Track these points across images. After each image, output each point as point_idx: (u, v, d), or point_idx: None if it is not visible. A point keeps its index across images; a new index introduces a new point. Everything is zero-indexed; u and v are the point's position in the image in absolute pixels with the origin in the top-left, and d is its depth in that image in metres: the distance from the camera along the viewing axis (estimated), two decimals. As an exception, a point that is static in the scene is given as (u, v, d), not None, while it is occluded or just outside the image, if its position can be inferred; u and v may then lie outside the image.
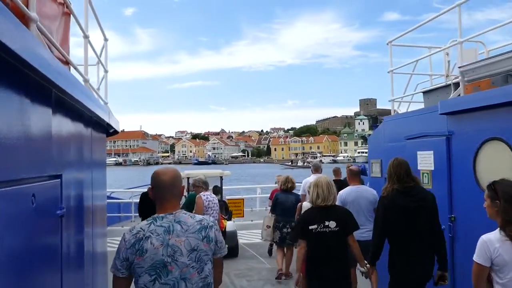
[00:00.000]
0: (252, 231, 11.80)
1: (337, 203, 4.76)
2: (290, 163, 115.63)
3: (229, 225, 9.06)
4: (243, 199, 13.28)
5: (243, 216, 12.62)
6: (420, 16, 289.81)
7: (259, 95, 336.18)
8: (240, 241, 10.13)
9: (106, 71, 5.78)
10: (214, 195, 7.57)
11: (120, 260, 2.44)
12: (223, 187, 10.25)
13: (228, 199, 10.96)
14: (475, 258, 2.95)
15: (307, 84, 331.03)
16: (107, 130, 5.56)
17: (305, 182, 8.77)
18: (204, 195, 7.21)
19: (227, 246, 3.23)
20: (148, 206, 7.29)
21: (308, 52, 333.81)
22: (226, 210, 9.13)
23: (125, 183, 54.39)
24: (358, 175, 6.44)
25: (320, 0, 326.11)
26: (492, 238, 2.93)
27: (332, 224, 4.30)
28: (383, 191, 4.42)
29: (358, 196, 6.05)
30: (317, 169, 9.07)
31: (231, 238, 8.73)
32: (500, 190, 3.00)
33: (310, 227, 4.29)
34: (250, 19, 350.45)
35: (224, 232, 8.20)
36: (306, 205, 6.34)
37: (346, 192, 6.09)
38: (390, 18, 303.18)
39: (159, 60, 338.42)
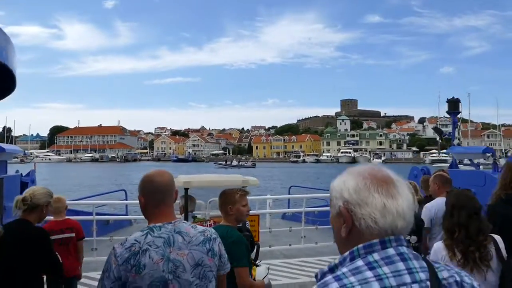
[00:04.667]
0: (275, 262, 8.12)
1: (424, 219, 4.41)
2: (224, 162, 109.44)
3: (260, 272, 4.76)
4: (258, 215, 8.78)
5: (258, 240, 8.76)
6: (401, 20, 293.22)
7: (240, 93, 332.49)
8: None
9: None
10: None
11: (111, 280, 2.13)
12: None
13: None
14: None
15: (288, 83, 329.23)
16: None
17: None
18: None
19: None
20: None
21: (290, 51, 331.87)
22: (252, 246, 5.50)
23: (100, 181, 51.45)
24: (451, 183, 4.96)
25: (303, 0, 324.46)
26: (440, 246, 3.07)
27: None
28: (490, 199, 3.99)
29: None
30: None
31: None
32: (447, 200, 3.21)
33: None
34: (232, 16, 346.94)
35: None
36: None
37: (437, 205, 4.51)
38: (372, 20, 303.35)
39: (140, 55, 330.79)
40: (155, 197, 2.33)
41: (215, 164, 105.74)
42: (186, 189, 5.29)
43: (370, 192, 1.28)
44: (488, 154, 6.90)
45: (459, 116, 8.25)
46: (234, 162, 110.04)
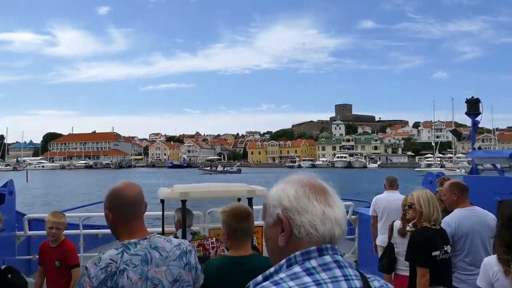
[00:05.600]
0: None
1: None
2: (209, 168, 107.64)
3: None
4: (261, 226, 8.21)
5: (262, 253, 7.98)
6: (394, 25, 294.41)
7: (235, 99, 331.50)
8: None
9: None
10: None
11: None
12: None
13: None
14: (478, 281, 2.91)
15: (282, 89, 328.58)
16: None
17: (376, 200, 6.84)
18: None
19: None
20: None
21: (284, 56, 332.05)
22: None
23: (93, 189, 50.37)
24: (468, 192, 4.37)
25: (297, 6, 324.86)
26: (492, 261, 2.87)
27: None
28: None
29: (478, 223, 4.14)
30: (392, 184, 6.84)
31: None
32: (502, 211, 2.95)
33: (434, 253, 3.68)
34: (227, 22, 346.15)
35: None
36: (397, 224, 4.91)
37: (458, 218, 4.13)
38: (366, 26, 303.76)
39: (134, 61, 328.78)
40: (125, 212, 2.18)
41: (200, 170, 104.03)
42: (184, 202, 4.55)
43: (309, 199, 1.28)
44: (516, 158, 6.32)
45: (479, 118, 7.64)
46: (219, 168, 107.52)
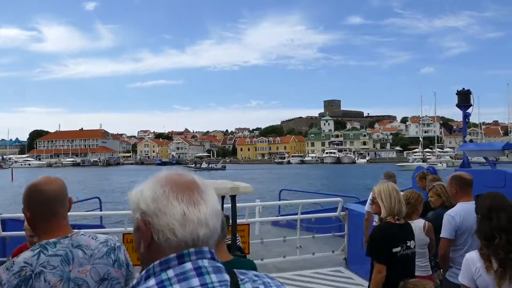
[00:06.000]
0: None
1: (446, 230, 4.00)
2: (193, 165, 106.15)
3: None
4: (248, 224, 7.76)
5: (248, 253, 7.37)
6: (382, 21, 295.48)
7: (223, 95, 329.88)
8: None
9: None
10: None
11: None
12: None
13: None
14: (460, 278, 2.83)
15: (271, 85, 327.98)
16: None
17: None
18: None
19: None
20: None
21: (273, 53, 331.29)
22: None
23: (78, 187, 49.58)
24: (472, 186, 4.25)
25: (286, 2, 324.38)
26: (474, 256, 2.78)
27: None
28: None
29: None
30: (390, 180, 6.27)
31: None
32: (480, 203, 2.89)
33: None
34: (215, 18, 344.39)
35: None
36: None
37: (463, 211, 3.99)
38: (354, 22, 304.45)
39: (121, 58, 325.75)
40: (44, 209, 2.01)
41: (185, 167, 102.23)
42: None
43: (169, 200, 1.16)
44: (508, 151, 6.12)
45: (470, 110, 7.44)
46: (204, 165, 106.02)
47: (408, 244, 3.66)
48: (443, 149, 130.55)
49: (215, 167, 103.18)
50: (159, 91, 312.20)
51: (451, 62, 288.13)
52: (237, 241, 4.77)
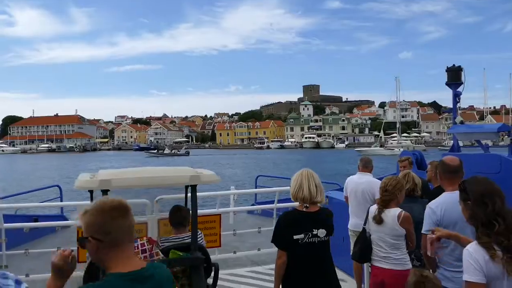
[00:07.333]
0: (241, 271, 6.86)
1: (426, 224, 3.52)
2: (156, 151, 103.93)
3: None
4: (219, 215, 7.06)
5: (219, 246, 6.86)
6: (360, 5, 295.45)
7: (202, 80, 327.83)
8: None
9: None
10: None
11: None
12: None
13: None
14: (466, 276, 2.46)
15: (250, 70, 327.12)
16: None
17: (347, 181, 6.37)
18: None
19: None
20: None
21: (251, 37, 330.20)
22: (208, 269, 4.08)
23: (48, 173, 47.76)
24: (458, 173, 3.64)
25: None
26: (477, 248, 2.49)
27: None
28: None
29: None
30: (366, 166, 6.23)
31: None
32: (470, 189, 2.70)
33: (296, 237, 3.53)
34: (192, 1, 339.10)
35: None
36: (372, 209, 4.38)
37: (445, 204, 3.47)
38: (332, 6, 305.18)
39: (97, 42, 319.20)
40: None
41: (146, 153, 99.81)
42: (105, 192, 3.48)
43: None
44: (504, 133, 5.57)
45: (460, 88, 6.83)
46: (167, 151, 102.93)
47: (315, 232, 3.53)
48: (420, 134, 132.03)
49: (178, 152, 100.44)
50: (136, 76, 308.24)
51: (429, 46, 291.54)
52: (199, 238, 4.08)
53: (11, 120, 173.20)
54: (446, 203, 3.44)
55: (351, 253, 5.84)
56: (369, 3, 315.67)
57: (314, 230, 3.51)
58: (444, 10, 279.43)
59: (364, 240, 4.35)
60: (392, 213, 4.03)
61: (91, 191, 3.78)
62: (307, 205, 3.54)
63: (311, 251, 3.52)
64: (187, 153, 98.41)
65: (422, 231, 3.54)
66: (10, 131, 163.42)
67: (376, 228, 4.15)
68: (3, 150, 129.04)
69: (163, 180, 3.76)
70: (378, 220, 4.08)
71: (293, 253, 3.51)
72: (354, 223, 5.94)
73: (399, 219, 3.97)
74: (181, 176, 3.85)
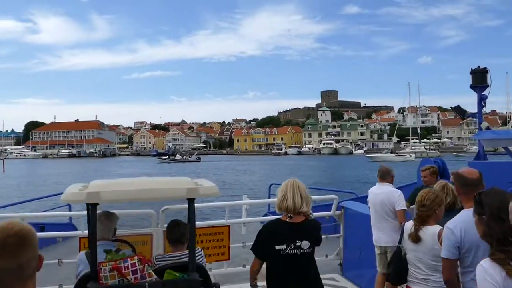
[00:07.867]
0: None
1: (445, 247, 3.14)
2: (167, 157, 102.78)
3: None
4: (228, 226, 6.46)
5: (228, 259, 6.37)
6: (379, 10, 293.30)
7: (220, 86, 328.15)
8: None
9: None
10: None
11: None
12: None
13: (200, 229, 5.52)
14: None
15: (268, 76, 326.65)
16: None
17: (369, 193, 5.89)
18: None
19: None
20: None
21: (269, 43, 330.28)
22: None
23: (66, 179, 48.36)
24: (478, 186, 3.17)
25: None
26: (493, 265, 2.29)
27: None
28: None
29: None
30: (383, 177, 5.75)
31: None
32: (486, 202, 2.51)
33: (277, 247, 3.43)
34: (211, 8, 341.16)
35: None
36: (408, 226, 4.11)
37: (464, 223, 3.06)
38: (351, 11, 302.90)
39: (117, 49, 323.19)
40: None
41: (157, 159, 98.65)
42: (93, 206, 3.15)
43: None
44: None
45: (486, 92, 6.35)
46: (178, 157, 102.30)
47: (298, 244, 3.41)
48: (440, 139, 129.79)
49: (189, 159, 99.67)
50: (155, 82, 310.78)
51: (449, 51, 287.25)
52: (199, 257, 3.74)
53: (33, 125, 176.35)
54: (466, 222, 3.01)
55: (377, 269, 5.42)
56: (388, 7, 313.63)
57: (297, 241, 3.40)
58: (464, 13, 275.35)
59: (399, 260, 3.94)
60: (431, 231, 3.64)
61: (87, 204, 3.46)
62: (291, 215, 3.44)
63: (293, 262, 3.42)
64: (198, 159, 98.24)
65: (442, 255, 3.16)
66: (32, 136, 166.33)
67: (413, 247, 3.74)
68: (25, 155, 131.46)
69: (158, 193, 3.40)
70: (415, 238, 3.68)
71: (274, 263, 3.44)
72: (375, 237, 5.57)
73: (439, 238, 3.51)
74: (178, 188, 3.46)
